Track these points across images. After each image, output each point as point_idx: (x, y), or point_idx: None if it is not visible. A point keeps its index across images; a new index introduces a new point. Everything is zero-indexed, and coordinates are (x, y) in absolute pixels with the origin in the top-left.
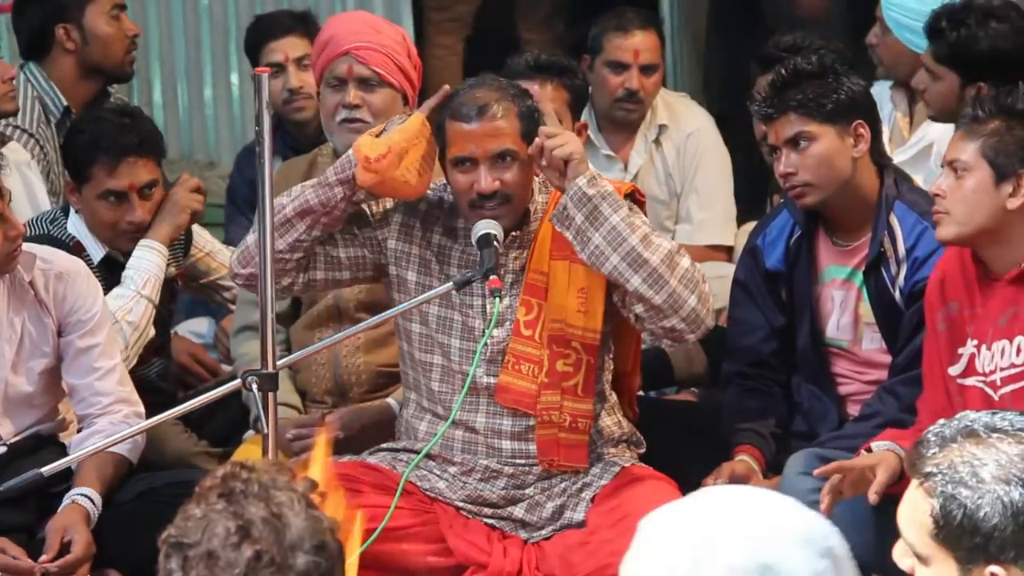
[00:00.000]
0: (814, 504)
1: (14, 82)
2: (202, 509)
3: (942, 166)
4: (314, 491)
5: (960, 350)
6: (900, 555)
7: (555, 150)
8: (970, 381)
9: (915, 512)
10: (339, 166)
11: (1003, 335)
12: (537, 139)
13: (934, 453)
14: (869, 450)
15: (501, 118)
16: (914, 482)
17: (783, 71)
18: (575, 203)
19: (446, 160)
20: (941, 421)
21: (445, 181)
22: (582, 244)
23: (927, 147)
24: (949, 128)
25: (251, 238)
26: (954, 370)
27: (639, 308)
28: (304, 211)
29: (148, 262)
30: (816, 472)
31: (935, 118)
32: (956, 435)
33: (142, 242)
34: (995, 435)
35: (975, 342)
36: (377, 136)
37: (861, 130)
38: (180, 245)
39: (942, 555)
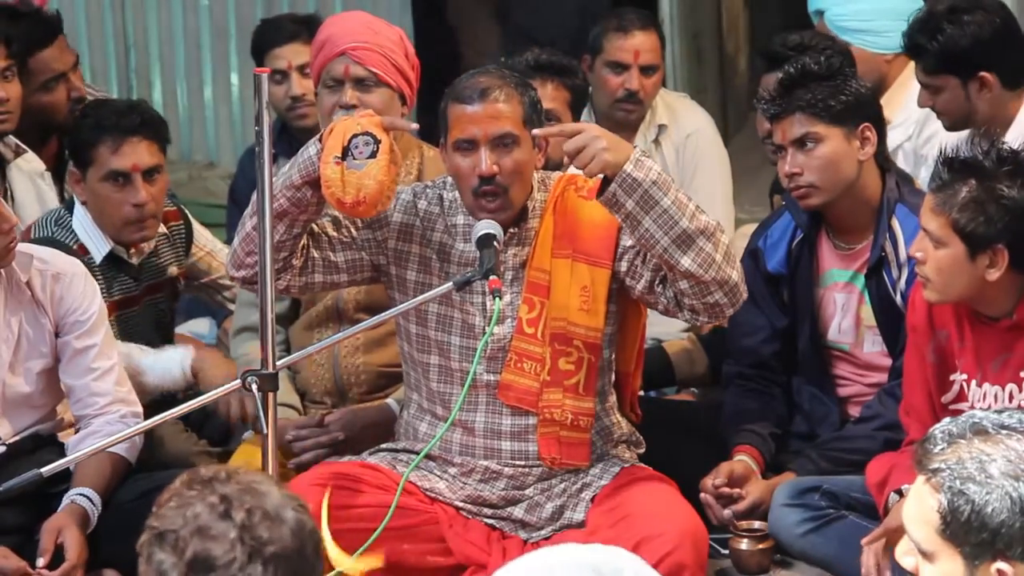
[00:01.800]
0: (801, 535)
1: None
2: (176, 501)
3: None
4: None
5: (952, 377)
6: (903, 553)
7: (588, 167)
8: (962, 407)
9: (922, 508)
10: (302, 167)
11: (995, 381)
12: (567, 160)
13: (942, 449)
14: (899, 492)
15: (503, 102)
16: (920, 478)
17: (791, 70)
18: (625, 190)
19: (447, 145)
20: (947, 419)
21: (443, 177)
22: (632, 227)
23: (891, 153)
24: (907, 130)
25: (236, 241)
26: (946, 398)
27: (684, 284)
28: (280, 214)
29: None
30: (864, 541)
31: (952, 127)
32: (964, 431)
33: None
34: (1004, 431)
35: (964, 376)
36: (339, 160)
37: (868, 133)
38: (182, 244)
39: (948, 551)
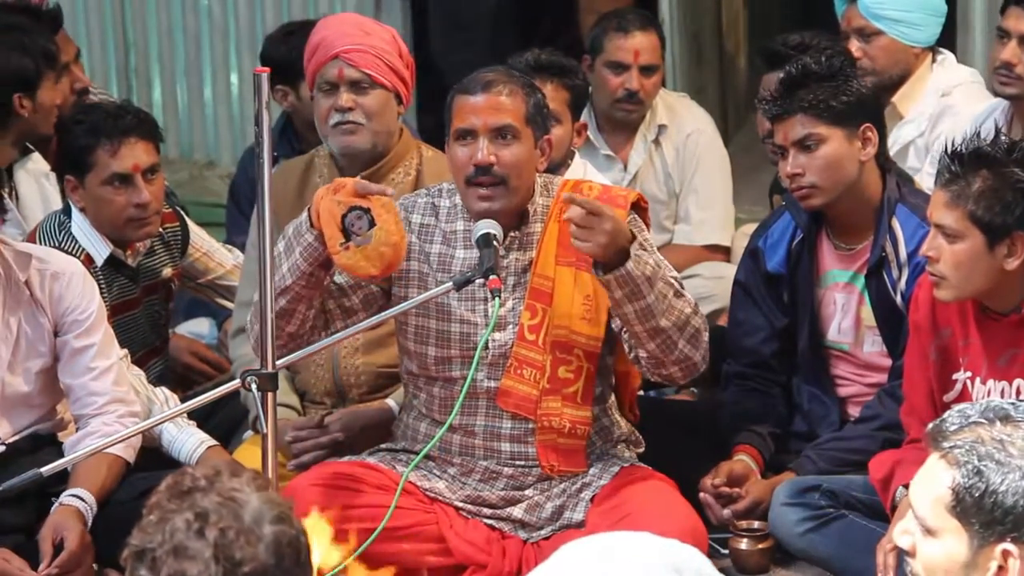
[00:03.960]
0: (801, 534)
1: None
2: (156, 515)
3: (932, 224)
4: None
5: (955, 375)
6: (901, 532)
7: (581, 245)
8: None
9: (934, 484)
10: (306, 253)
11: (1001, 376)
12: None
13: (959, 427)
14: (907, 487)
15: (506, 96)
16: (934, 455)
17: (793, 70)
18: (619, 283)
19: (449, 136)
20: (963, 404)
21: (437, 186)
22: (614, 307)
23: (903, 148)
24: (920, 126)
25: (255, 336)
26: (948, 396)
27: (643, 354)
28: (298, 298)
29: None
30: (883, 546)
31: (1017, 95)
32: (985, 412)
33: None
34: None
35: (968, 373)
36: (344, 242)
37: (869, 134)
38: (177, 247)
39: (956, 528)
